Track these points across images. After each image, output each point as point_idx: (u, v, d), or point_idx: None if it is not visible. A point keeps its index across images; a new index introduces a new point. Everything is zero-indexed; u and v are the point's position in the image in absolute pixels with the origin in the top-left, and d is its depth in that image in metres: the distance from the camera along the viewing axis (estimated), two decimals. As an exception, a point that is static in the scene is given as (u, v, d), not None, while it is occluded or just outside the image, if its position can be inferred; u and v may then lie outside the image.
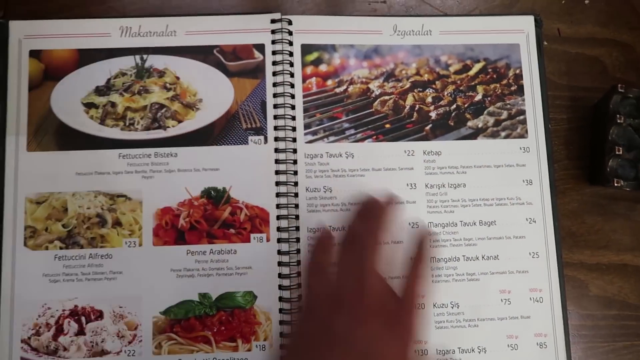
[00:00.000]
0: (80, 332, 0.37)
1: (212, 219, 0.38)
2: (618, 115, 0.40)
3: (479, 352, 0.38)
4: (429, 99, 0.41)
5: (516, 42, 0.42)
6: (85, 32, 0.40)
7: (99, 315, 0.37)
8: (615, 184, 0.39)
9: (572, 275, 0.41)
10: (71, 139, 0.39)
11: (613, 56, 0.44)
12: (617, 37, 0.44)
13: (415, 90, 0.41)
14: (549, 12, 0.44)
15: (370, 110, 0.41)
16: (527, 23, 0.42)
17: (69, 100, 0.39)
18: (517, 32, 0.42)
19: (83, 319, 0.37)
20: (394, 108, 0.41)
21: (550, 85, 0.43)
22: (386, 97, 0.41)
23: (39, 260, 0.37)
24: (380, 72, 0.41)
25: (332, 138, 0.40)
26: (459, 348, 0.37)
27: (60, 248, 0.37)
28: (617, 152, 0.39)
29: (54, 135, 0.39)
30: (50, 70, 0.40)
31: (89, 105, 0.40)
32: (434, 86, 0.41)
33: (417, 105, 0.41)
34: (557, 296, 0.39)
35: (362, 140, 0.40)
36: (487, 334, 0.38)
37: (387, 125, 0.40)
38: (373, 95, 0.41)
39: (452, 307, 0.38)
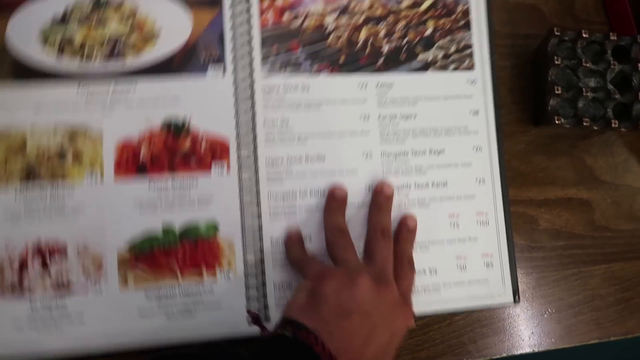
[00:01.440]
0: (45, 269, 0.37)
1: (173, 150, 0.38)
2: (556, 57, 0.42)
3: (430, 273, 0.40)
4: (382, 34, 0.43)
5: None
6: (36, -36, 0.39)
7: (63, 251, 0.37)
8: (557, 122, 0.41)
9: (523, 211, 0.44)
10: (28, 74, 0.39)
11: (550, 3, 0.47)
12: (551, -15, 0.47)
13: (369, 25, 0.42)
14: None
15: (326, 43, 0.42)
16: None
17: (24, 34, 0.40)
18: None
19: (47, 255, 0.37)
20: (348, 42, 0.42)
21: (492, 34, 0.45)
22: (340, 32, 0.42)
23: None
24: (335, 6, 0.43)
25: (289, 69, 0.41)
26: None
27: (20, 184, 0.38)
28: (556, 92, 0.42)
29: (10, 69, 0.39)
30: (3, 3, 0.40)
31: (45, 39, 0.39)
32: (386, 21, 0.43)
33: (370, 40, 0.42)
34: (501, 218, 0.42)
35: (317, 72, 0.42)
36: (437, 256, 0.41)
37: (342, 59, 0.42)
38: (328, 29, 0.43)
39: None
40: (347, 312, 0.30)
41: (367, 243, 0.38)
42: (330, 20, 0.42)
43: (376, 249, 0.36)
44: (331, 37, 0.42)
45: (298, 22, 0.42)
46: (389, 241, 0.37)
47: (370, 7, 0.43)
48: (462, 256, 0.40)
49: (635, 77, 0.42)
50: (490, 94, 0.43)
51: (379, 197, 0.39)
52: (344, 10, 0.43)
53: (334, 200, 0.39)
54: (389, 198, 0.39)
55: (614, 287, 0.44)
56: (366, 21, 0.43)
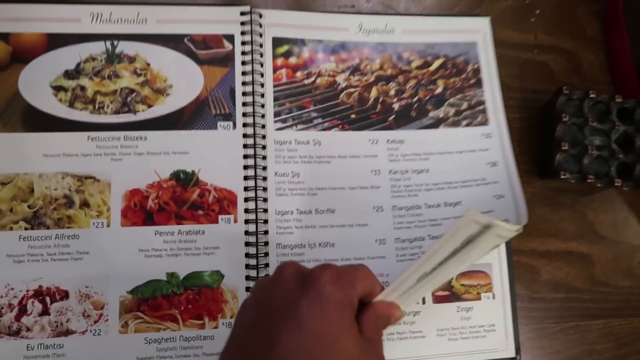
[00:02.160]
0: (45, 312, 0.37)
1: (180, 200, 0.38)
2: (564, 115, 0.43)
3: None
4: (392, 92, 0.43)
5: (474, 41, 0.44)
6: (55, 17, 0.41)
7: (64, 295, 0.37)
8: (562, 177, 0.42)
9: (525, 261, 0.44)
10: (39, 121, 0.40)
11: (558, 62, 0.49)
12: (562, 45, 0.49)
13: (379, 84, 0.43)
14: (502, 20, 0.48)
15: (337, 101, 0.44)
16: (483, 24, 0.44)
17: (37, 83, 0.40)
18: (475, 32, 0.46)
19: (47, 299, 0.37)
20: (359, 100, 0.43)
21: (503, 87, 0.47)
22: (352, 90, 0.44)
23: (2, 240, 0.38)
24: (347, 66, 0.44)
25: (300, 126, 0.42)
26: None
27: (25, 229, 0.38)
28: (563, 148, 0.43)
29: (21, 117, 0.39)
30: (18, 52, 0.40)
31: (58, 89, 0.40)
32: (396, 80, 0.43)
33: (381, 98, 0.43)
34: (505, 269, 0.41)
35: (328, 129, 0.43)
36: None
37: (353, 116, 0.43)
38: (339, 87, 0.44)
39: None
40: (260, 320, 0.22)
41: None
42: (341, 79, 0.43)
43: None
44: (342, 94, 0.43)
45: (310, 79, 0.43)
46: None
47: (381, 67, 0.44)
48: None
49: (638, 138, 0.43)
50: (508, 146, 0.43)
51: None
52: (355, 70, 0.44)
53: None
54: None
55: (611, 342, 0.43)
56: (377, 80, 0.44)
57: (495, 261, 0.41)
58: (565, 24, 0.49)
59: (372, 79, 0.44)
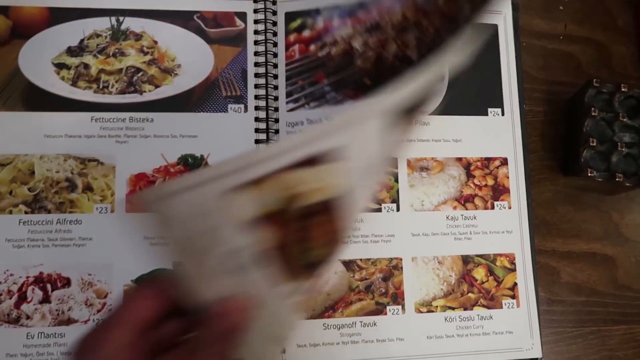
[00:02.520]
0: (45, 300, 0.36)
1: (188, 186, 0.36)
2: (593, 109, 0.41)
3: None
4: (412, 42, 0.39)
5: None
6: (57, -9, 0.38)
7: (66, 282, 0.35)
8: (589, 174, 0.41)
9: (545, 262, 0.43)
10: (40, 100, 0.38)
11: (587, 53, 0.47)
12: (591, 36, 0.47)
13: (398, 37, 0.39)
14: (528, 8, 0.46)
15: (353, 68, 0.40)
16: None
17: (38, 59, 0.39)
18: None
19: (48, 286, 0.35)
20: (376, 61, 0.39)
21: (528, 78, 0.45)
22: (369, 54, 0.40)
23: (1, 224, 0.36)
24: (364, 26, 0.41)
25: (312, 104, 0.40)
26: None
27: (26, 212, 0.37)
28: (591, 144, 0.41)
29: (21, 95, 0.37)
30: (18, 27, 0.39)
31: (60, 66, 0.38)
32: (418, 26, 0.39)
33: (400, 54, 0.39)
34: (529, 263, 0.40)
35: (342, 100, 0.40)
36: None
37: (368, 82, 0.40)
38: (355, 52, 0.40)
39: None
40: None
41: None
42: (358, 43, 0.40)
43: None
44: (359, 61, 0.40)
45: (325, 51, 0.40)
46: None
47: (403, 16, 0.40)
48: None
49: (670, 136, 0.41)
50: (518, 126, 0.41)
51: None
52: (373, 28, 0.40)
53: None
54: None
55: (633, 350, 0.42)
56: (396, 33, 0.40)
57: (520, 265, 0.39)
58: (595, 13, 0.47)
59: (391, 33, 0.39)
